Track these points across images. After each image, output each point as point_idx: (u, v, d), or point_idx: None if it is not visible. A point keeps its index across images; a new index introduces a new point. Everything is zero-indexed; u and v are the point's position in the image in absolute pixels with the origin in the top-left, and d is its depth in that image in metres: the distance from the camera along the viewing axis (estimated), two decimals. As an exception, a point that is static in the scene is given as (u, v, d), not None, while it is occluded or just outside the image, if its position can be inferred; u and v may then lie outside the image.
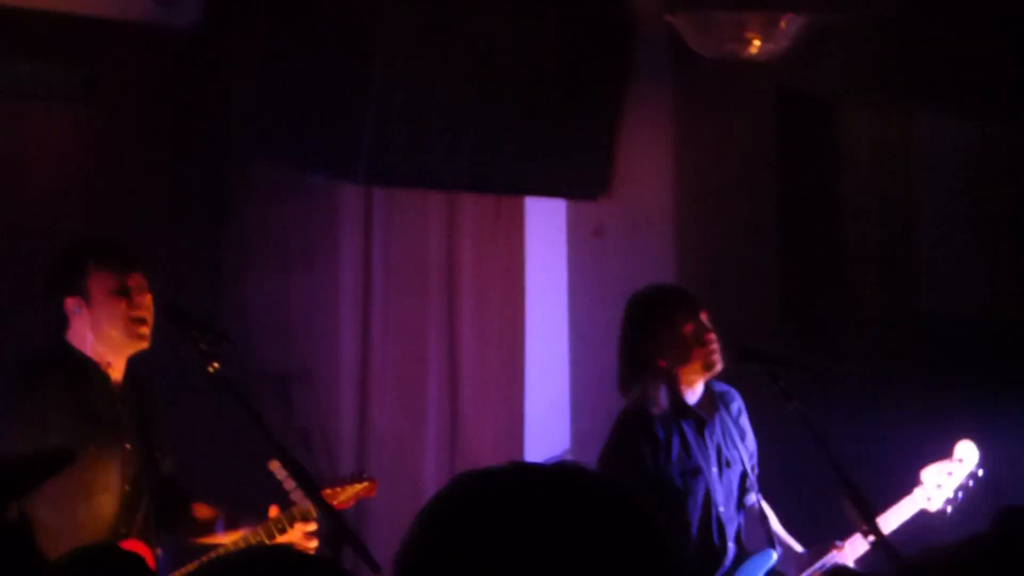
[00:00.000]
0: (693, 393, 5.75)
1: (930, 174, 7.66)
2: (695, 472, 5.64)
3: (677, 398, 5.69)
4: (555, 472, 1.70)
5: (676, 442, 5.63)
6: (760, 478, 5.83)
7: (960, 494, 5.72)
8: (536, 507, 1.63)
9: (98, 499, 5.12)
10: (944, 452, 5.83)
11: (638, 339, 5.79)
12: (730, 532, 5.69)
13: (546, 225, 7.75)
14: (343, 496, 5.35)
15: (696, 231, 7.29)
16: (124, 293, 5.21)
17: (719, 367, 5.70)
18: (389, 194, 7.37)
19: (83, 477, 5.06)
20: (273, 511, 5.17)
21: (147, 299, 5.26)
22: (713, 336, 5.69)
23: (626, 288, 7.25)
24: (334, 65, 6.67)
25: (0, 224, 6.53)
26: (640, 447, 5.61)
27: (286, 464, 4.94)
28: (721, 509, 5.66)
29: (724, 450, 5.76)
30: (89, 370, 5.21)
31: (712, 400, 5.79)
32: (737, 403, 5.86)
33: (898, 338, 7.48)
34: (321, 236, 7.30)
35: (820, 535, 5.83)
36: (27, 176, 6.67)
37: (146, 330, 5.24)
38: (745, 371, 5.79)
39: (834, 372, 5.81)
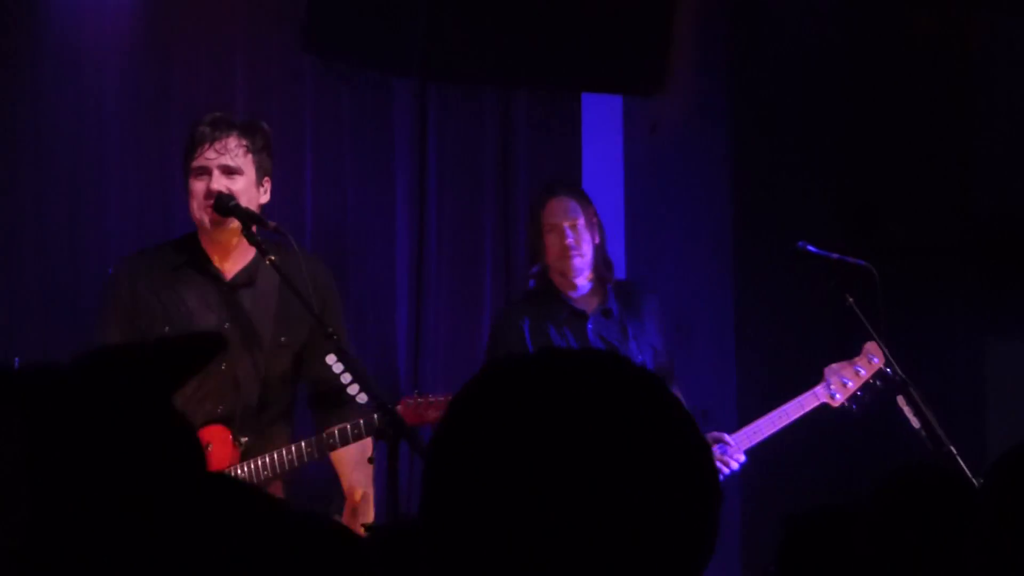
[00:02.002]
0: (576, 288, 6.07)
1: (989, 71, 7.58)
2: None
3: (551, 291, 6.07)
4: (589, 359, 1.69)
5: (530, 327, 5.99)
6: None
7: (867, 394, 5.77)
8: (567, 392, 1.63)
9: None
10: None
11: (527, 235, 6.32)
12: None
13: (602, 121, 7.72)
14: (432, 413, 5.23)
15: (751, 127, 7.25)
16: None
17: (572, 275, 6.02)
18: (443, 90, 7.36)
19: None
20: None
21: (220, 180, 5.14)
22: (568, 245, 6.00)
23: (682, 185, 7.25)
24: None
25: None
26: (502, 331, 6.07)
27: (341, 357, 4.97)
28: None
29: (610, 341, 5.98)
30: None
31: (603, 295, 6.09)
32: (641, 298, 6.20)
33: (952, 236, 7.43)
34: (375, 133, 7.30)
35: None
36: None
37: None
38: (801, 266, 5.81)
39: (888, 268, 5.77)
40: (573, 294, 6.07)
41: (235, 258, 5.19)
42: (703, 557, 1.63)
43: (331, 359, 4.98)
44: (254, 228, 5.10)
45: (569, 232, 6.00)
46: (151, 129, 6.94)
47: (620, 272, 6.92)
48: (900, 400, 5.39)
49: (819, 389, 5.75)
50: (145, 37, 6.98)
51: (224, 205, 5.06)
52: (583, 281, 6.07)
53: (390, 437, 4.87)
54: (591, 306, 6.09)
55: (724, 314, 7.18)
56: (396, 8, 6.76)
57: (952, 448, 5.17)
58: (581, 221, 6.04)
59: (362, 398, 4.99)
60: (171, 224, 6.71)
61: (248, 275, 5.20)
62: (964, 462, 5.10)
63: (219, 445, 5.10)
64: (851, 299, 5.50)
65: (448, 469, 1.64)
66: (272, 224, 5.07)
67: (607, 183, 7.64)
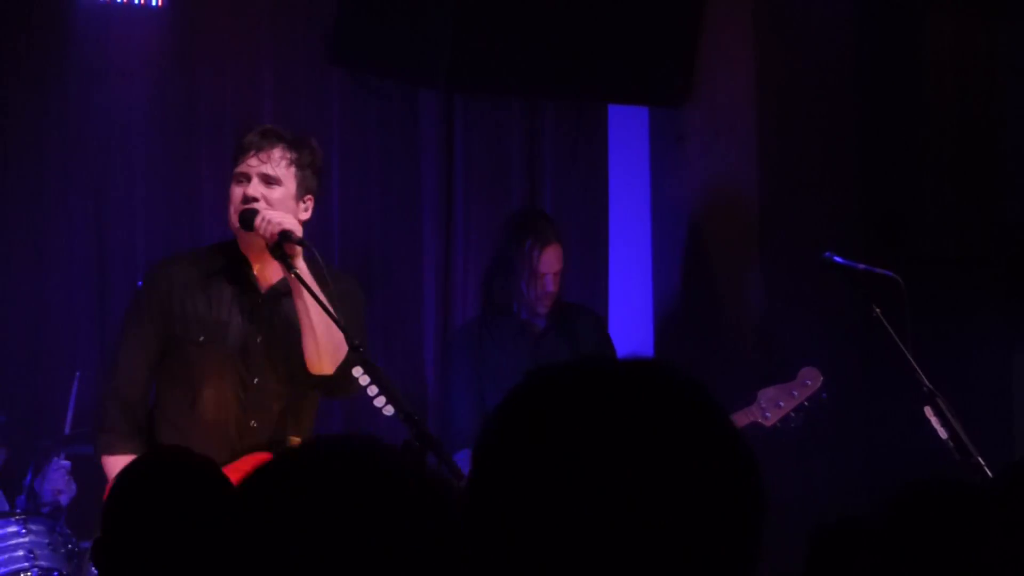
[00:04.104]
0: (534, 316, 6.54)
1: (1016, 79, 7.56)
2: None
3: (505, 311, 6.52)
4: (634, 367, 1.68)
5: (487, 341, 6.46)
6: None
7: (799, 415, 6.02)
8: (612, 401, 1.62)
9: (210, 392, 5.09)
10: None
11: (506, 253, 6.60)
12: None
13: (628, 131, 7.72)
14: None
15: (777, 137, 7.24)
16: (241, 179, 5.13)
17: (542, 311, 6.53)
18: (469, 101, 7.37)
19: (191, 369, 5.08)
20: None
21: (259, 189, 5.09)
22: (550, 293, 6.50)
23: (708, 195, 7.25)
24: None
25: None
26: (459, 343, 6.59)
27: (368, 369, 4.96)
28: None
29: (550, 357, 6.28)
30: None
31: (558, 315, 6.54)
32: (585, 319, 6.65)
33: (979, 246, 7.42)
34: (401, 144, 7.31)
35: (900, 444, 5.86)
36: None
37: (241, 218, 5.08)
38: (826, 278, 5.81)
39: (915, 278, 5.76)
40: (524, 316, 6.53)
41: (275, 267, 5.17)
42: (748, 565, 1.63)
43: (358, 371, 4.96)
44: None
45: (553, 281, 6.46)
46: (178, 139, 6.97)
47: (647, 279, 6.94)
48: (927, 411, 5.38)
49: (752, 408, 5.98)
50: (173, 48, 7.02)
51: (247, 220, 5.05)
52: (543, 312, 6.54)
53: (418, 450, 4.86)
54: (537, 326, 6.53)
55: (751, 322, 7.18)
56: (423, 19, 6.77)
57: (980, 459, 5.16)
58: (562, 267, 6.49)
59: (388, 410, 4.97)
60: (198, 231, 6.75)
61: (285, 286, 5.16)
62: (991, 472, 5.09)
63: None
64: (878, 310, 5.49)
65: (495, 476, 1.64)
66: (297, 237, 5.05)
67: (633, 193, 7.64)
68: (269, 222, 4.99)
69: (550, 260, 6.44)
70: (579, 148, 7.59)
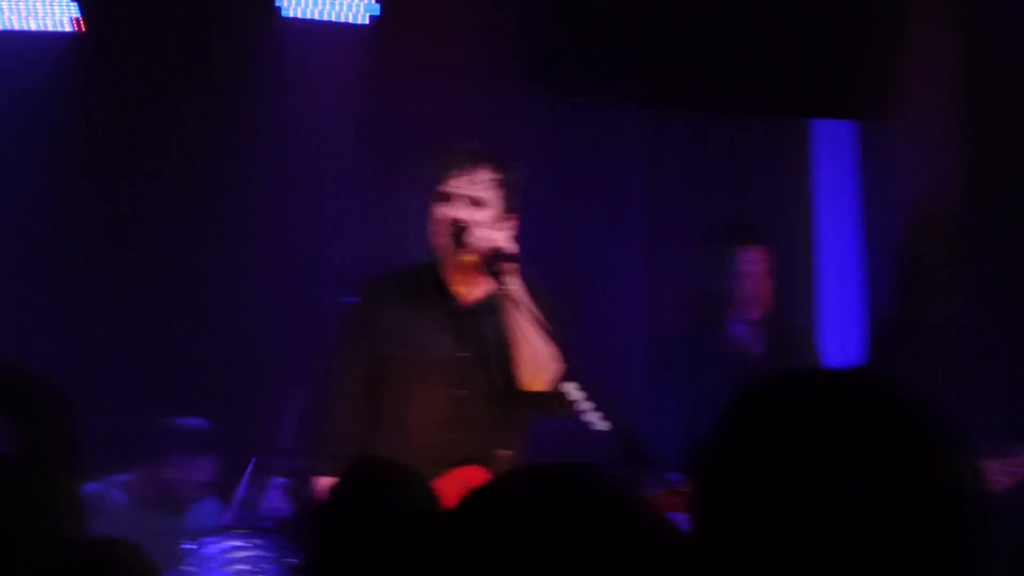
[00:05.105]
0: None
1: None
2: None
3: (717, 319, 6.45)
4: (852, 378, 1.66)
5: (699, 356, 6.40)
6: None
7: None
8: (832, 412, 1.61)
9: (418, 407, 5.12)
10: None
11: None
12: None
13: (833, 147, 7.67)
14: None
15: (983, 148, 7.14)
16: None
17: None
18: (672, 118, 7.38)
19: (400, 385, 5.15)
20: None
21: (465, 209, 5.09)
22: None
23: (915, 208, 7.17)
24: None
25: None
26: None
27: (581, 385, 4.96)
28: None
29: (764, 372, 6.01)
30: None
31: (770, 330, 6.43)
32: (796, 336, 6.57)
33: None
34: (606, 161, 7.35)
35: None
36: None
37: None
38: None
39: None
40: (736, 330, 6.41)
41: (477, 285, 5.19)
42: None
43: (570, 386, 4.98)
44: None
45: (759, 283, 6.38)
46: (385, 159, 7.08)
47: (854, 295, 6.87)
48: None
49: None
50: (379, 69, 7.14)
51: (459, 237, 5.05)
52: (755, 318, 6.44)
53: (631, 466, 4.86)
54: (748, 341, 6.45)
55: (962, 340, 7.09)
56: (625, 39, 6.80)
57: None
58: (767, 269, 6.39)
59: (602, 426, 4.98)
60: (404, 247, 6.84)
61: (491, 303, 5.19)
62: None
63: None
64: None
65: (724, 488, 1.63)
66: (508, 254, 5.04)
67: (838, 209, 7.59)
68: (480, 239, 5.01)
69: (753, 259, 6.39)
70: (783, 163, 7.56)
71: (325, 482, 4.91)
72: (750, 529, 1.59)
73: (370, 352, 5.15)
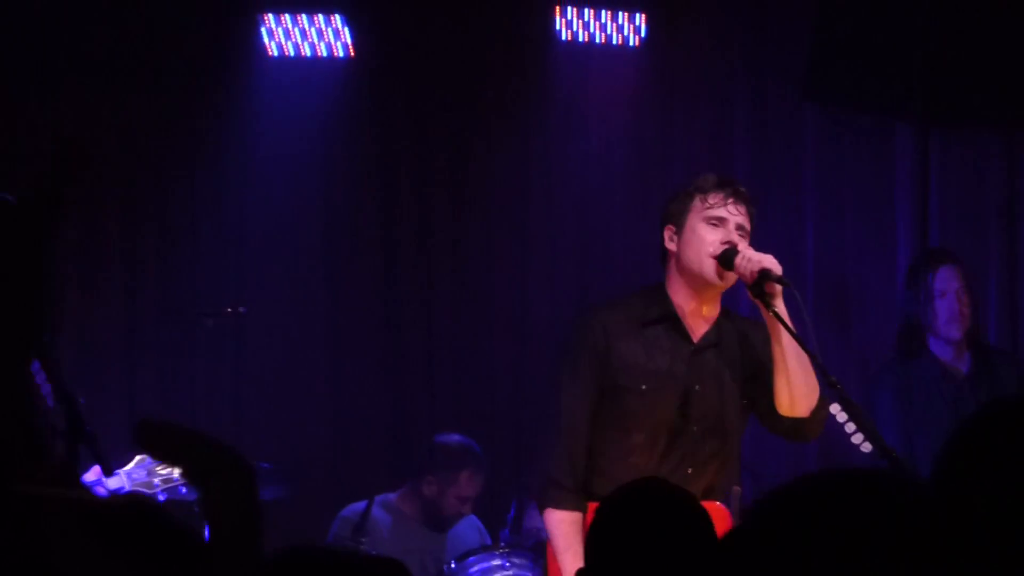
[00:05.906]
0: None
1: None
2: None
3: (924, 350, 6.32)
4: None
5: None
6: None
7: None
8: None
9: (647, 441, 5.01)
10: None
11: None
12: None
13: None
14: None
15: None
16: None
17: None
18: (945, 131, 7.25)
19: (630, 418, 5.11)
20: None
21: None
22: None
23: None
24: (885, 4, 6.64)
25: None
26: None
27: (845, 406, 4.88)
28: None
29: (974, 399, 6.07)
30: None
31: (978, 357, 6.33)
32: (1007, 364, 6.38)
33: None
34: (875, 177, 7.27)
35: None
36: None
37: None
38: None
39: None
40: (943, 356, 6.31)
41: (705, 317, 5.16)
42: None
43: (835, 408, 4.91)
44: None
45: (957, 300, 6.28)
46: (654, 178, 7.11)
47: None
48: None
49: None
50: (648, 89, 7.20)
51: (728, 258, 5.01)
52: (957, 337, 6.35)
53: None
54: (958, 369, 6.29)
55: None
56: (895, 53, 6.71)
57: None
58: (964, 285, 6.31)
59: (866, 447, 4.92)
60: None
61: (715, 335, 5.16)
62: None
63: (719, 523, 4.95)
64: None
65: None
66: (777, 276, 4.98)
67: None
68: (750, 260, 4.96)
69: (945, 277, 6.26)
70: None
71: (555, 519, 4.91)
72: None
73: (598, 383, 5.11)
